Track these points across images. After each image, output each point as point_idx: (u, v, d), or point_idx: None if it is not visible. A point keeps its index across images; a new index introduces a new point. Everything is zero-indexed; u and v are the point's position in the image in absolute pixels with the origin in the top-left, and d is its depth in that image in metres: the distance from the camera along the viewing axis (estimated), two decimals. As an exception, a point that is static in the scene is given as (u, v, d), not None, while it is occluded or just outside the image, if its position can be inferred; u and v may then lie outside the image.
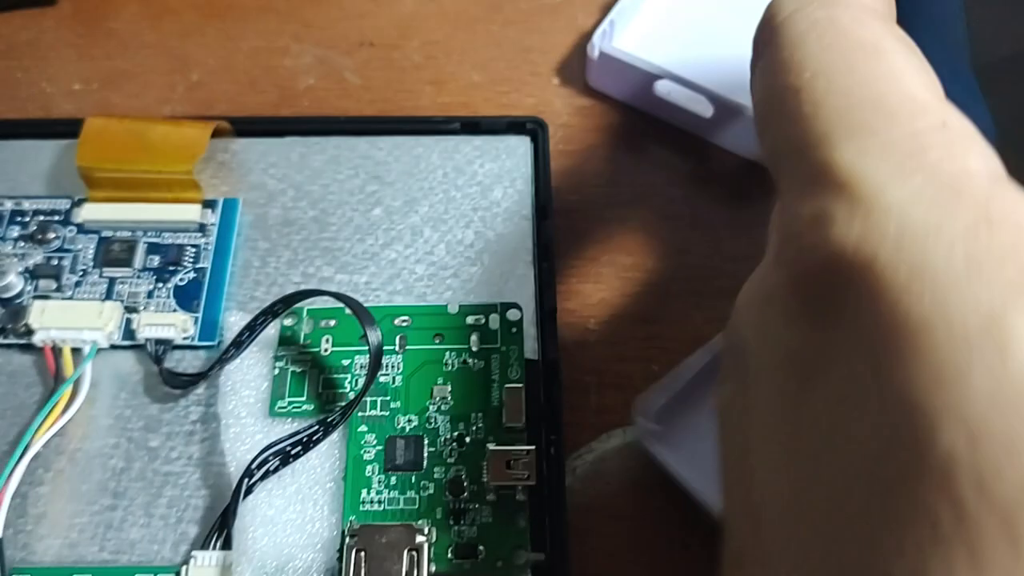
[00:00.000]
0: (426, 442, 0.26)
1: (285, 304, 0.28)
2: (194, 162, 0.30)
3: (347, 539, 0.24)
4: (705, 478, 0.25)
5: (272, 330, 0.28)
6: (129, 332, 0.28)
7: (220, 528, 0.25)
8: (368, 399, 0.27)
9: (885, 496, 0.12)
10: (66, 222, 0.31)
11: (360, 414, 0.27)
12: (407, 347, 0.28)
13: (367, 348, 0.27)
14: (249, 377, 0.28)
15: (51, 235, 0.30)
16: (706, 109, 0.35)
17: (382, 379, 0.28)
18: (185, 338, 0.28)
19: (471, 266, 0.30)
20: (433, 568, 0.24)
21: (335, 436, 0.27)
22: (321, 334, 0.28)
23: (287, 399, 0.27)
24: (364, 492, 0.26)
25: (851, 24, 0.15)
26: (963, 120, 0.14)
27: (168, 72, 0.37)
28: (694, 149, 0.36)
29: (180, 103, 0.36)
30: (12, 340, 0.28)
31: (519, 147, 0.33)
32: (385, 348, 0.28)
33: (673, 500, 0.27)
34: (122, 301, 0.29)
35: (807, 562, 0.13)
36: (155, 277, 0.30)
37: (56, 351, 0.28)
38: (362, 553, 0.24)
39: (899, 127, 0.14)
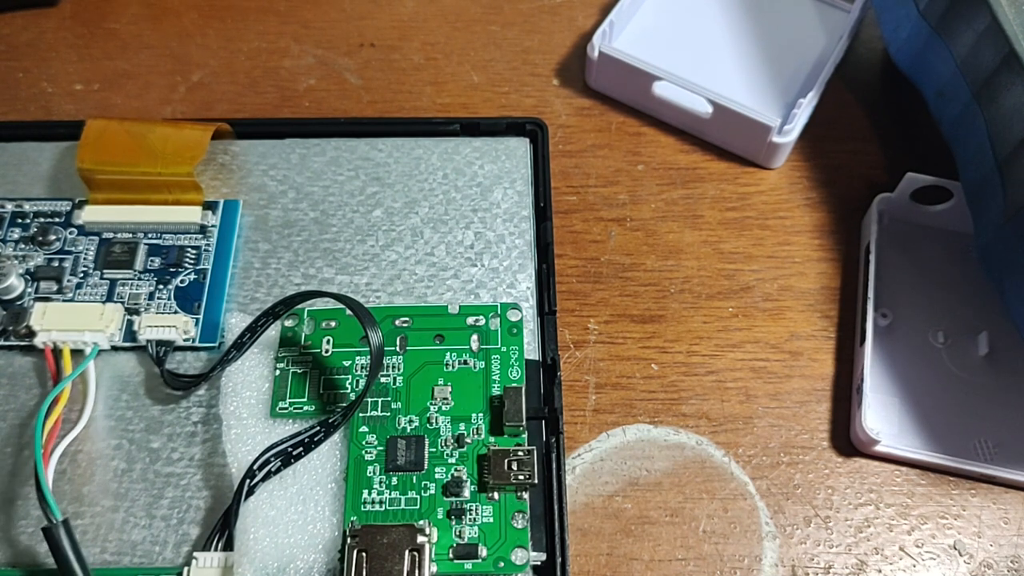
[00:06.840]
0: (427, 442, 0.27)
1: (286, 305, 0.28)
2: (195, 164, 0.30)
3: (348, 539, 0.24)
4: None
5: (273, 331, 0.28)
6: (130, 334, 0.28)
7: (221, 529, 0.25)
8: (369, 400, 0.27)
9: None
10: (67, 224, 0.31)
11: (361, 415, 0.27)
12: (408, 348, 0.28)
13: (368, 349, 0.27)
14: (250, 378, 0.28)
15: (52, 237, 0.30)
16: (704, 109, 0.35)
17: (383, 380, 0.28)
18: (186, 340, 0.28)
19: (471, 267, 0.30)
20: (434, 568, 0.24)
21: (336, 437, 0.27)
22: (322, 335, 0.28)
23: (288, 400, 0.27)
24: (365, 492, 0.26)
25: None
26: None
27: (169, 73, 0.37)
28: (693, 149, 0.36)
29: (181, 104, 0.37)
30: (13, 342, 0.28)
31: (518, 148, 0.33)
32: (386, 349, 0.28)
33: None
34: (123, 303, 0.29)
35: None
36: (156, 279, 0.30)
37: (57, 353, 0.28)
38: (363, 553, 0.24)
39: None
